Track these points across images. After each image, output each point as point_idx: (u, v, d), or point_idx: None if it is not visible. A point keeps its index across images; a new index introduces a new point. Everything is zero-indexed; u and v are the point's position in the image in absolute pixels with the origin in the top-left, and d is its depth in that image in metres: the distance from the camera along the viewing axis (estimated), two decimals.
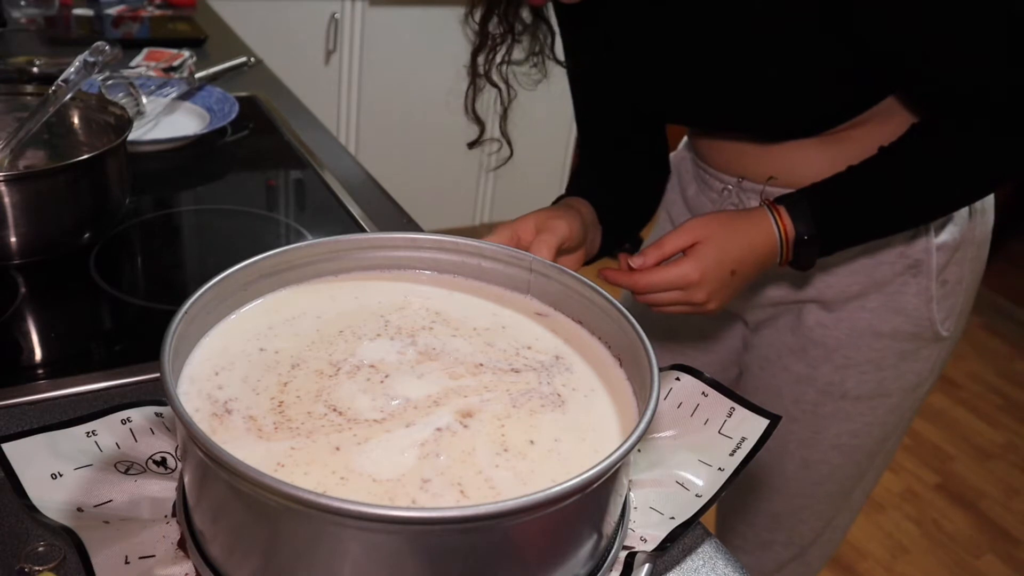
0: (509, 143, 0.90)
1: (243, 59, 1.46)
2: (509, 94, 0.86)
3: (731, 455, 0.54)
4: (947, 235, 0.84)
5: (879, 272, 0.86)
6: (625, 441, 0.43)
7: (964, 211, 0.85)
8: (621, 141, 0.94)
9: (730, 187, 0.89)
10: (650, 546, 0.51)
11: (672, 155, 1.00)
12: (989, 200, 0.88)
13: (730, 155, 0.88)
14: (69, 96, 0.84)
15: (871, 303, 0.87)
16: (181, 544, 0.48)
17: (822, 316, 0.90)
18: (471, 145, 0.91)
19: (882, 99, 0.76)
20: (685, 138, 1.00)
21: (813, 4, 0.68)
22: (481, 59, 0.83)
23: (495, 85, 0.86)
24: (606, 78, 0.89)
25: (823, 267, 0.86)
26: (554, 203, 0.87)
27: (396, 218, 0.98)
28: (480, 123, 0.88)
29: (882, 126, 0.77)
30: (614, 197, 0.91)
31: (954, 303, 0.88)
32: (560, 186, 2.98)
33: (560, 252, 0.76)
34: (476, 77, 0.84)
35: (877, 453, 0.97)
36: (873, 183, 0.74)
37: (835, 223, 0.74)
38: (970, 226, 0.86)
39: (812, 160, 0.81)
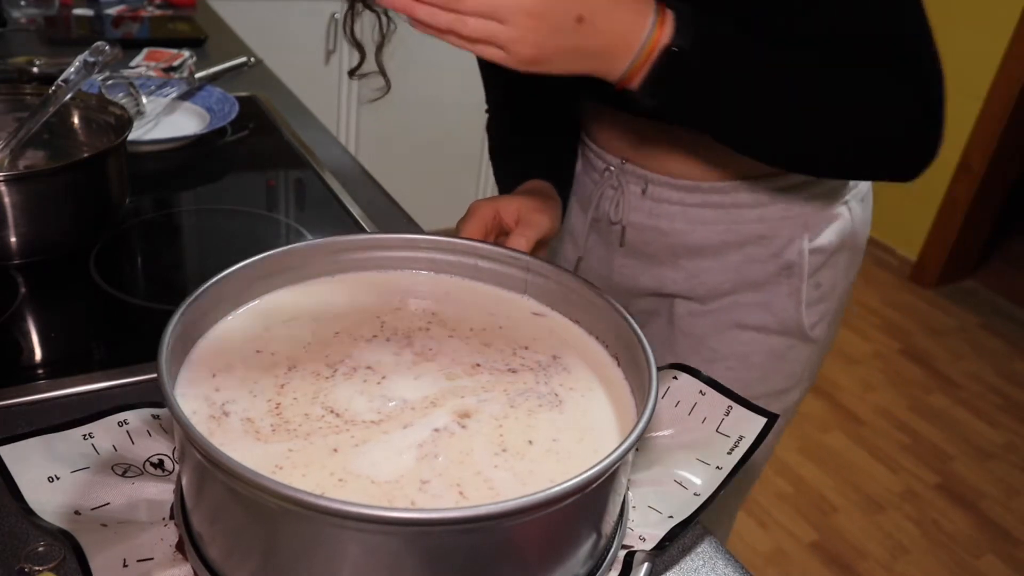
0: (386, 76, 0.86)
1: (243, 59, 1.46)
2: (388, 25, 0.81)
3: (729, 453, 0.54)
4: (823, 239, 0.82)
5: (751, 271, 0.83)
6: (624, 440, 0.43)
7: (843, 218, 0.83)
8: (528, 105, 0.90)
9: (611, 167, 0.84)
10: (649, 545, 0.51)
11: None
12: (868, 210, 0.87)
13: (617, 134, 0.83)
14: (69, 96, 0.84)
15: (743, 299, 0.85)
16: (179, 546, 0.48)
17: (693, 307, 0.87)
18: (350, 73, 0.88)
19: None
20: None
21: None
22: None
23: (372, 10, 0.80)
24: None
25: (694, 258, 0.84)
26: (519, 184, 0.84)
27: (396, 218, 0.98)
28: (360, 49, 0.84)
29: None
30: (532, 140, 0.88)
31: (827, 308, 0.86)
32: None
33: (536, 246, 0.73)
34: (354, 1, 0.79)
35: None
36: (760, 61, 0.63)
37: (707, 68, 0.61)
38: (850, 232, 0.84)
39: (708, 157, 0.78)
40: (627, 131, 0.82)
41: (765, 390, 0.88)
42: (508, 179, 0.87)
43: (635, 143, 0.82)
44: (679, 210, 0.82)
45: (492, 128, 0.96)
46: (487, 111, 0.96)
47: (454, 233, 0.67)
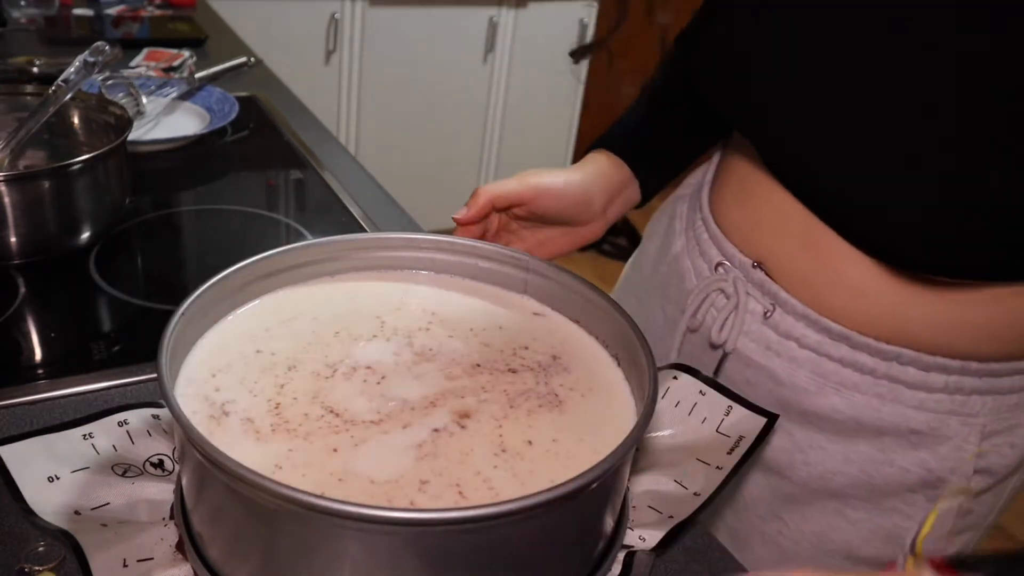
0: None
1: (243, 59, 1.45)
2: None
3: (729, 453, 0.54)
4: (998, 458, 0.58)
5: (881, 473, 0.59)
6: (624, 441, 0.43)
7: None
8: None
9: (732, 265, 0.63)
10: (649, 545, 0.51)
11: (688, 182, 0.75)
12: None
13: (760, 220, 0.60)
14: (69, 96, 0.84)
15: (854, 513, 0.61)
16: (179, 546, 0.48)
17: (782, 507, 0.63)
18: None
19: None
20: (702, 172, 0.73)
21: None
22: None
23: None
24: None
25: (807, 427, 0.61)
26: (591, 147, 0.72)
27: (396, 218, 0.98)
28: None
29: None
30: (671, 115, 0.71)
31: (969, 539, 0.62)
32: None
33: (538, 220, 0.65)
34: None
35: None
36: None
37: None
38: None
39: (884, 302, 0.55)
40: (775, 221, 0.59)
41: None
42: (607, 136, 0.72)
43: (779, 244, 0.59)
44: (809, 358, 0.59)
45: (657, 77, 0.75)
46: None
47: (454, 233, 0.66)
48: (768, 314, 0.61)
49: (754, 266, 0.60)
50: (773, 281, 0.60)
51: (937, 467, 0.58)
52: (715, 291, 0.64)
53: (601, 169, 0.69)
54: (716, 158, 0.72)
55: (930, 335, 0.54)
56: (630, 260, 0.82)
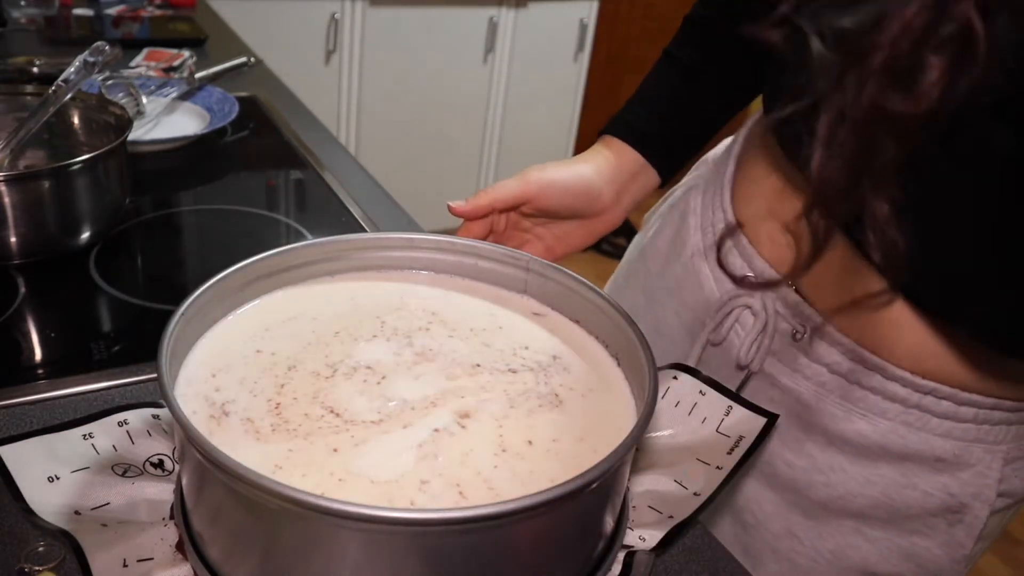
0: None
1: (243, 59, 1.46)
2: None
3: (729, 453, 0.54)
4: (1019, 482, 0.57)
5: (903, 496, 0.58)
6: (624, 440, 0.43)
7: None
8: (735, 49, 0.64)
9: (760, 280, 0.58)
10: (649, 545, 0.51)
11: (707, 158, 0.72)
12: None
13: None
14: (69, 96, 0.84)
15: (872, 532, 0.59)
16: (179, 546, 0.48)
17: (799, 523, 0.62)
18: None
19: None
20: (730, 142, 0.68)
21: None
22: None
23: None
24: None
25: (829, 450, 0.59)
26: (601, 132, 0.70)
27: (396, 218, 0.98)
28: None
29: None
30: (691, 82, 0.67)
31: (983, 547, 0.61)
32: None
33: (546, 215, 0.63)
34: None
35: None
36: None
37: None
38: None
39: (924, 341, 0.53)
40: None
41: None
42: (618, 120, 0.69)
43: (819, 269, 0.47)
44: (840, 384, 0.57)
45: (674, 42, 0.71)
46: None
47: (454, 233, 0.66)
48: (798, 336, 0.58)
49: (790, 285, 0.57)
50: (808, 304, 0.56)
51: (959, 492, 0.57)
52: (740, 307, 0.61)
53: (608, 158, 0.67)
54: (735, 150, 0.67)
55: (968, 375, 0.53)
56: (632, 248, 0.78)
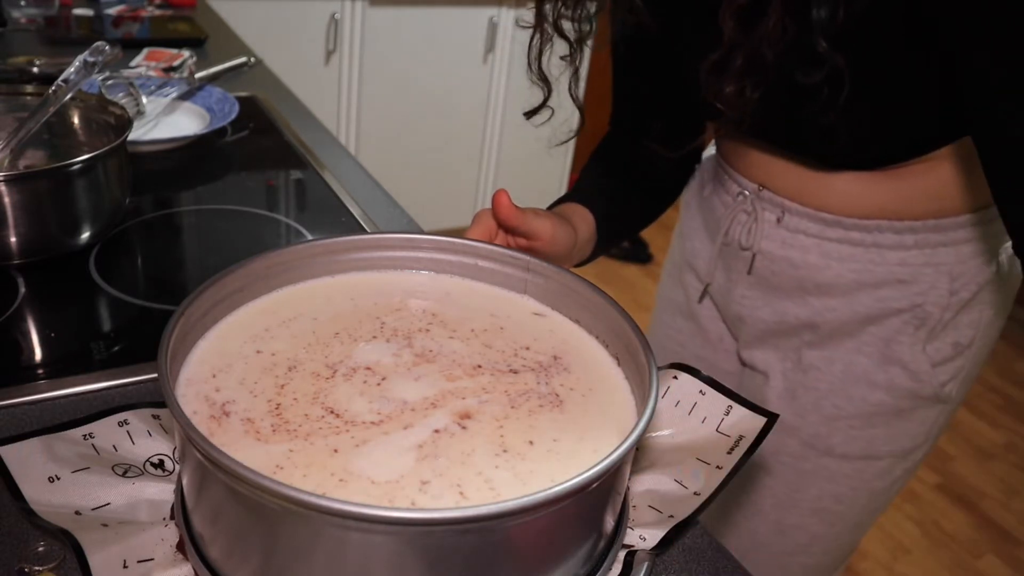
0: (581, 108, 0.80)
1: (243, 59, 1.46)
2: (581, 49, 0.75)
3: (729, 453, 0.54)
4: (967, 293, 0.76)
5: (882, 318, 0.78)
6: (624, 440, 0.43)
7: (995, 272, 0.77)
8: (655, 127, 0.84)
9: (746, 192, 0.81)
10: (649, 545, 0.51)
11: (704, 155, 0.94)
12: (1018, 266, 0.79)
13: (755, 159, 0.81)
14: (69, 96, 0.84)
15: (868, 349, 0.79)
16: (180, 547, 0.48)
17: (815, 357, 0.82)
18: (529, 115, 0.80)
19: (960, 136, 0.69)
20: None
21: (899, 14, 0.59)
22: (549, 8, 0.71)
23: (565, 37, 0.73)
24: (656, 50, 0.78)
25: (822, 296, 0.80)
26: (553, 205, 0.83)
27: (396, 218, 0.98)
28: (547, 84, 0.76)
29: (947, 161, 0.70)
30: (626, 187, 0.86)
31: (961, 366, 0.80)
32: (561, 187, 2.98)
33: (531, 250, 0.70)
34: (543, 24, 0.72)
35: (861, 525, 0.90)
36: None
37: None
38: (1000, 289, 0.78)
39: (854, 191, 0.74)
40: (765, 158, 0.79)
41: (889, 449, 0.83)
42: (580, 192, 0.86)
43: (773, 171, 0.79)
44: (815, 243, 0.78)
45: (602, 149, 0.91)
46: (609, 125, 0.92)
47: (454, 233, 0.66)
48: (780, 219, 0.79)
49: (760, 189, 0.81)
50: (779, 196, 0.79)
51: (919, 299, 0.76)
52: (739, 211, 0.83)
53: (588, 223, 0.83)
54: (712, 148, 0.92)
55: (895, 206, 0.73)
56: (682, 202, 0.99)
